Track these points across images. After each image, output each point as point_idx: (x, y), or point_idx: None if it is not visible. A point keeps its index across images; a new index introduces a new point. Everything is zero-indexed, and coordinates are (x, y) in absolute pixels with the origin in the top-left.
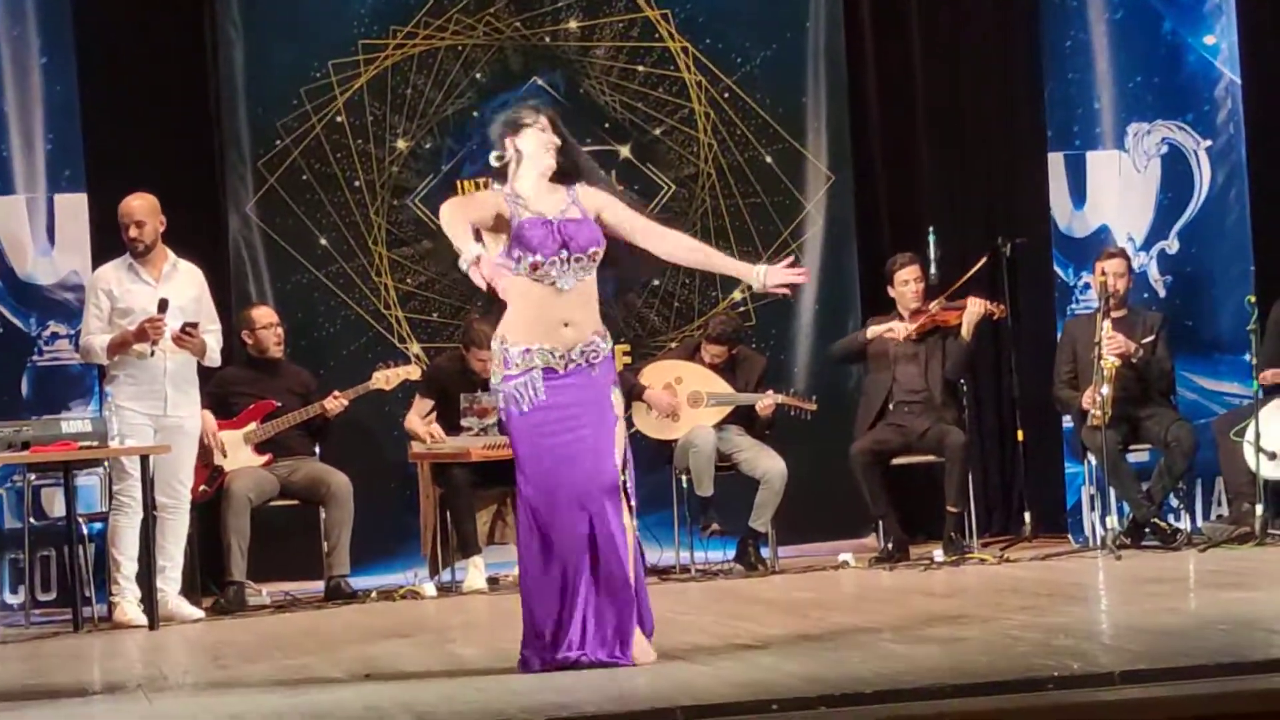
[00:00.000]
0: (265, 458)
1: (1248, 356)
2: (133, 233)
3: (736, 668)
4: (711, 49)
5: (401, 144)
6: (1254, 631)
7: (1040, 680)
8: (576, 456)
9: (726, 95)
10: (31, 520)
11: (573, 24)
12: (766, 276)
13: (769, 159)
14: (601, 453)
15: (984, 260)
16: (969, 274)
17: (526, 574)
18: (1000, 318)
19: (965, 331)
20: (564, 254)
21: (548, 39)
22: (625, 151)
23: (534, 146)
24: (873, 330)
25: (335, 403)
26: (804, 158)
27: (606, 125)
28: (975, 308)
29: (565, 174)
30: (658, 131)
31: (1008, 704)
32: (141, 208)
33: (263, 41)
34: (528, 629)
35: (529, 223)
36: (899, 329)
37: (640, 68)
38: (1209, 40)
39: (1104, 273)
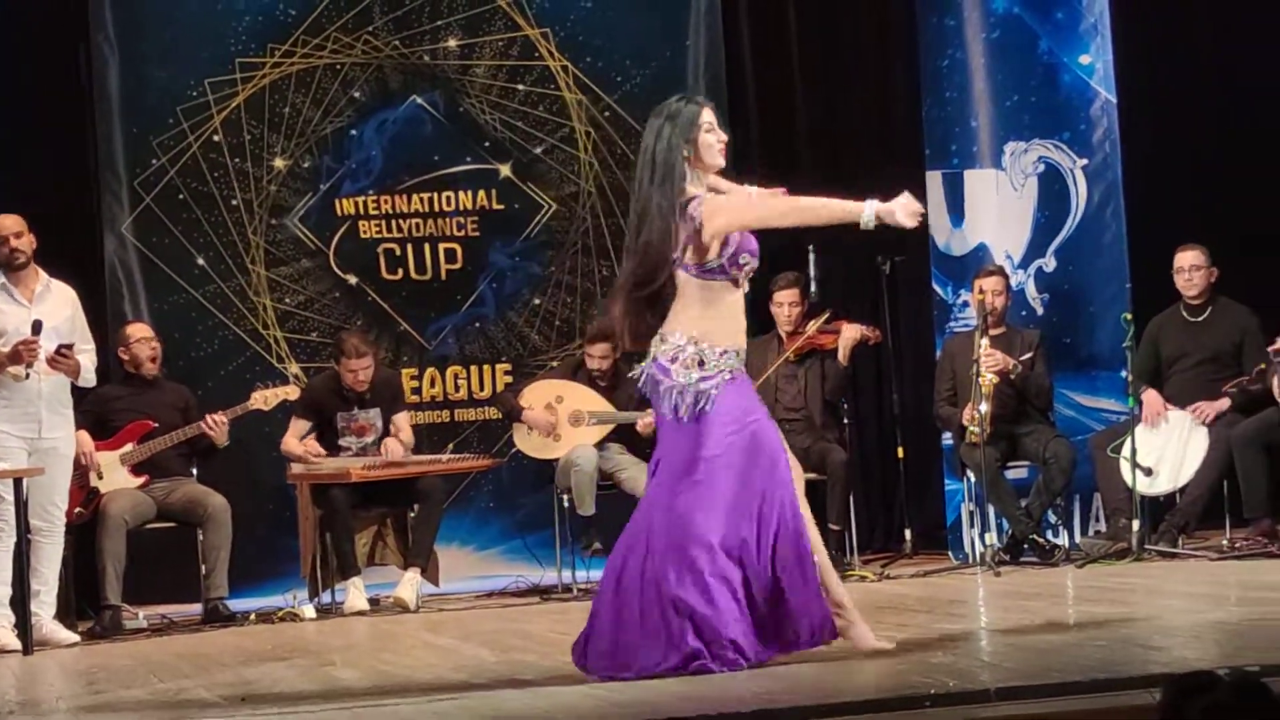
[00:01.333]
0: (142, 479)
1: (1124, 373)
2: (13, 243)
3: (617, 688)
4: (592, 68)
5: (279, 163)
6: (1130, 647)
7: (917, 698)
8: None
9: (607, 114)
10: None
11: (452, 43)
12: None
13: None
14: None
15: (827, 314)
16: (819, 321)
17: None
18: (875, 342)
19: (842, 356)
20: (744, 257)
21: (427, 57)
22: (506, 170)
23: (706, 146)
24: None
25: (219, 430)
26: None
27: (487, 144)
28: (850, 333)
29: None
30: (538, 150)
31: None
32: (15, 222)
33: (138, 60)
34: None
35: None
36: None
37: (520, 86)
38: (1085, 60)
39: (982, 290)
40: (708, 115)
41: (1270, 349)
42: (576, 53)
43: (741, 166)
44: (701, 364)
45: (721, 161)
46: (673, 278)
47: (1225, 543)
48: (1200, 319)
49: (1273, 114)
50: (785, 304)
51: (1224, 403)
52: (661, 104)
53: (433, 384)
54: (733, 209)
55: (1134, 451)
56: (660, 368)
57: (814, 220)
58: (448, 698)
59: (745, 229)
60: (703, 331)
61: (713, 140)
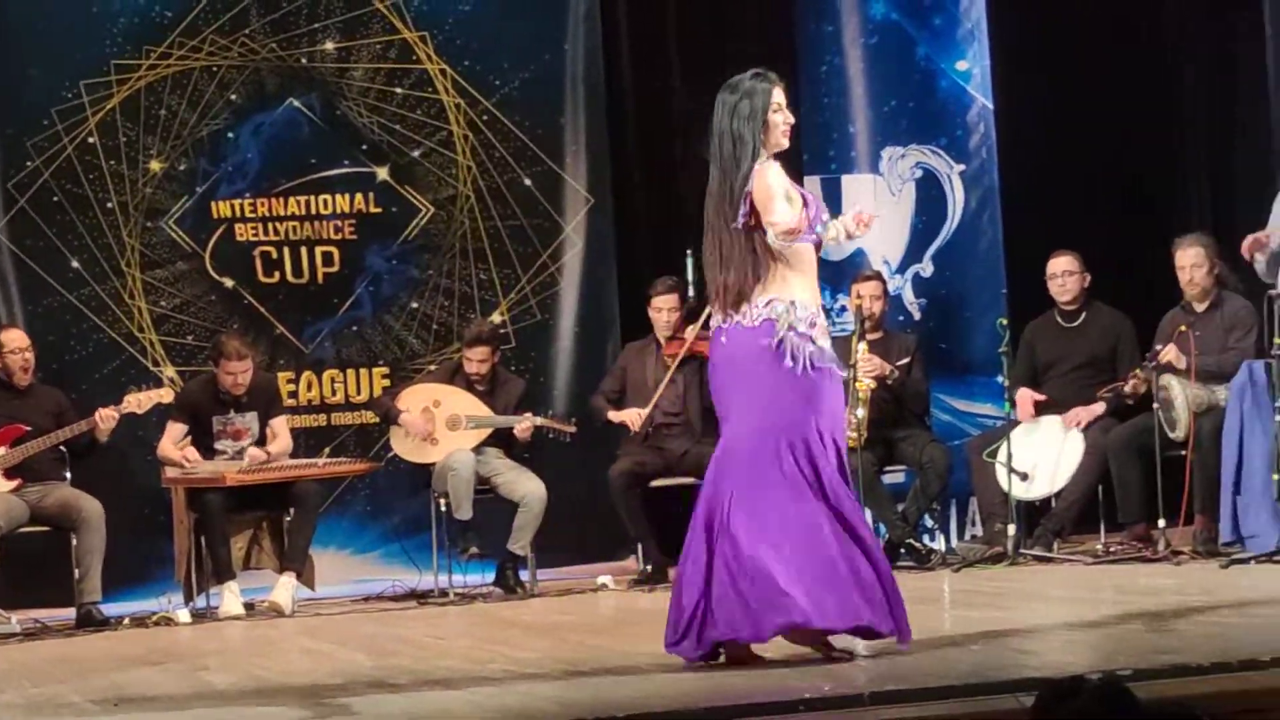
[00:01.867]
0: (14, 483)
1: (1000, 378)
2: None
3: (493, 693)
4: (470, 71)
5: (155, 165)
6: (1004, 651)
7: (791, 702)
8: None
9: (485, 117)
10: None
11: (329, 45)
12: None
13: (528, 181)
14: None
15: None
16: (698, 326)
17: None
18: None
19: None
20: (825, 217)
21: (304, 60)
22: (383, 174)
23: (774, 125)
24: (613, 414)
25: (107, 424)
26: (563, 180)
27: (364, 147)
28: None
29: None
30: (416, 154)
31: None
32: None
33: (12, 62)
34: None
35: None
36: (634, 422)
37: (398, 89)
38: (962, 66)
39: (859, 295)
40: (778, 95)
41: (1150, 356)
42: (455, 56)
43: (621, 171)
44: (805, 322)
45: (785, 143)
46: (750, 243)
47: (1100, 547)
48: (1074, 324)
49: (1147, 120)
50: (664, 309)
51: (1099, 407)
52: (735, 79)
53: (309, 388)
54: (764, 193)
55: (1010, 456)
56: (800, 334)
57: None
58: (323, 703)
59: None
60: (793, 293)
61: (779, 120)
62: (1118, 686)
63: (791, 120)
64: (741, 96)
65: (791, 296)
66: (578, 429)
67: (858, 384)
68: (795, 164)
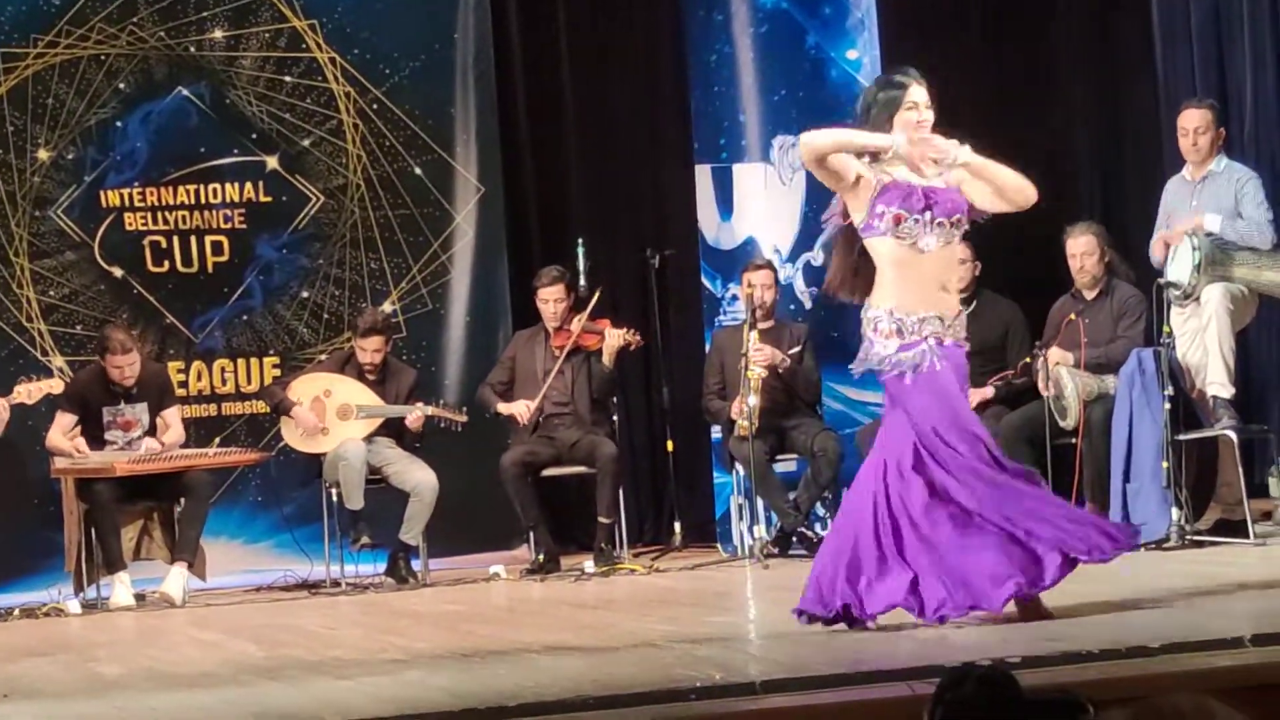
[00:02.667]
0: None
1: None
2: None
3: (384, 683)
4: (360, 59)
5: (43, 154)
6: (896, 638)
7: (682, 691)
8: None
9: (375, 106)
10: None
11: (218, 34)
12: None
13: (418, 170)
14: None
15: (594, 300)
16: (593, 301)
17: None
18: (638, 347)
19: (606, 360)
20: (927, 215)
21: (193, 49)
22: (273, 163)
23: (900, 125)
24: (502, 406)
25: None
26: (453, 169)
27: (254, 136)
28: (613, 340)
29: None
30: (306, 142)
31: (649, 715)
32: None
33: None
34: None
35: (892, 184)
36: (521, 413)
37: (288, 78)
38: (851, 55)
39: (751, 284)
40: (914, 94)
41: (1039, 345)
42: (344, 44)
43: (511, 160)
44: (900, 333)
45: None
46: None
47: None
48: (966, 312)
49: (1036, 110)
50: (550, 300)
51: (988, 392)
52: (880, 76)
53: (199, 378)
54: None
55: None
56: (868, 340)
57: (850, 146)
58: (213, 693)
59: (816, 156)
60: (884, 299)
61: (912, 118)
62: (1001, 674)
63: (926, 119)
64: (878, 89)
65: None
66: (469, 418)
67: (749, 373)
68: (685, 154)
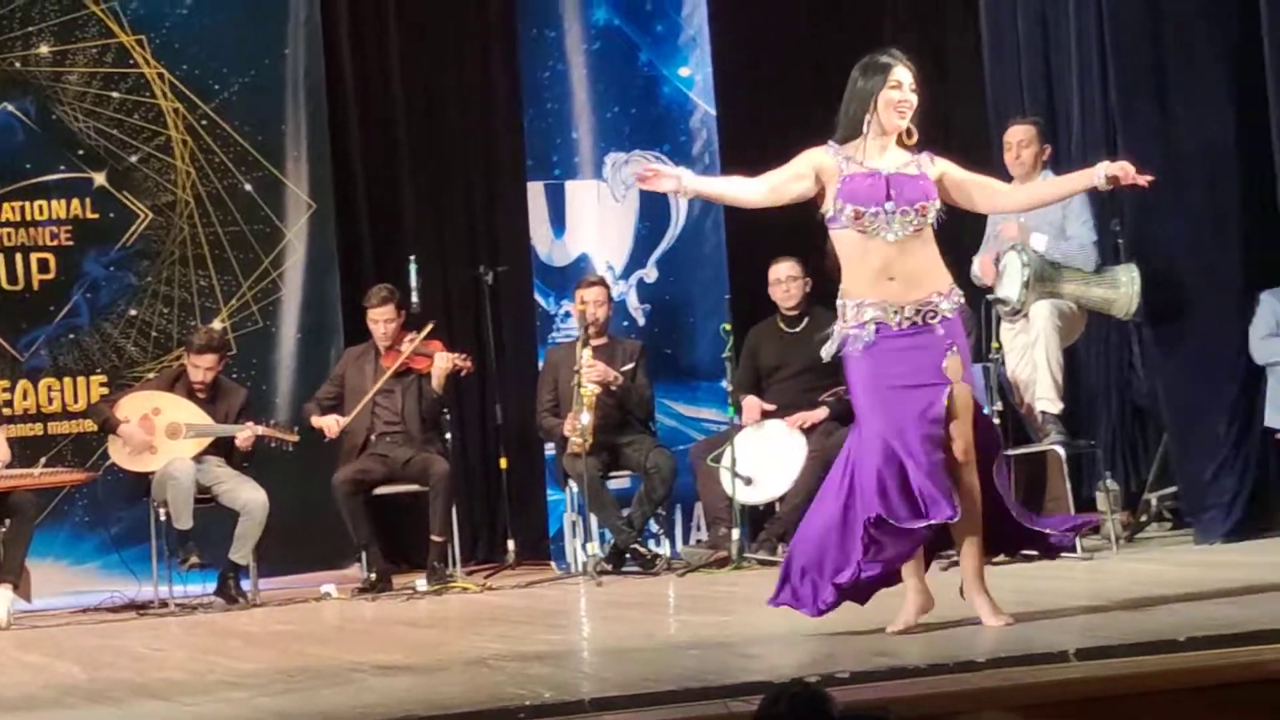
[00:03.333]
0: None
1: (724, 383)
2: None
3: (211, 705)
4: (189, 75)
5: None
6: (727, 656)
7: (512, 709)
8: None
9: (204, 122)
10: None
11: (44, 49)
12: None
13: (249, 187)
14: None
15: (425, 330)
16: (424, 331)
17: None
18: (468, 373)
19: (436, 385)
20: (889, 205)
21: (18, 64)
22: (100, 179)
23: (883, 104)
24: (315, 420)
25: None
26: (284, 186)
27: (81, 152)
28: (443, 363)
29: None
30: (134, 159)
31: None
32: None
33: None
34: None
35: (856, 175)
36: (330, 426)
37: (115, 94)
38: (684, 72)
39: (584, 301)
40: (897, 74)
41: None
42: (173, 60)
43: (342, 177)
44: (844, 318)
45: (899, 123)
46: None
47: None
48: (797, 330)
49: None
50: (380, 320)
51: (822, 412)
52: (865, 58)
53: (25, 396)
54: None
55: (734, 461)
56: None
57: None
58: (36, 716)
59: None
60: (844, 284)
61: (895, 98)
62: (814, 692)
63: (909, 99)
64: (859, 72)
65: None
66: (300, 437)
67: (582, 390)
68: (518, 170)
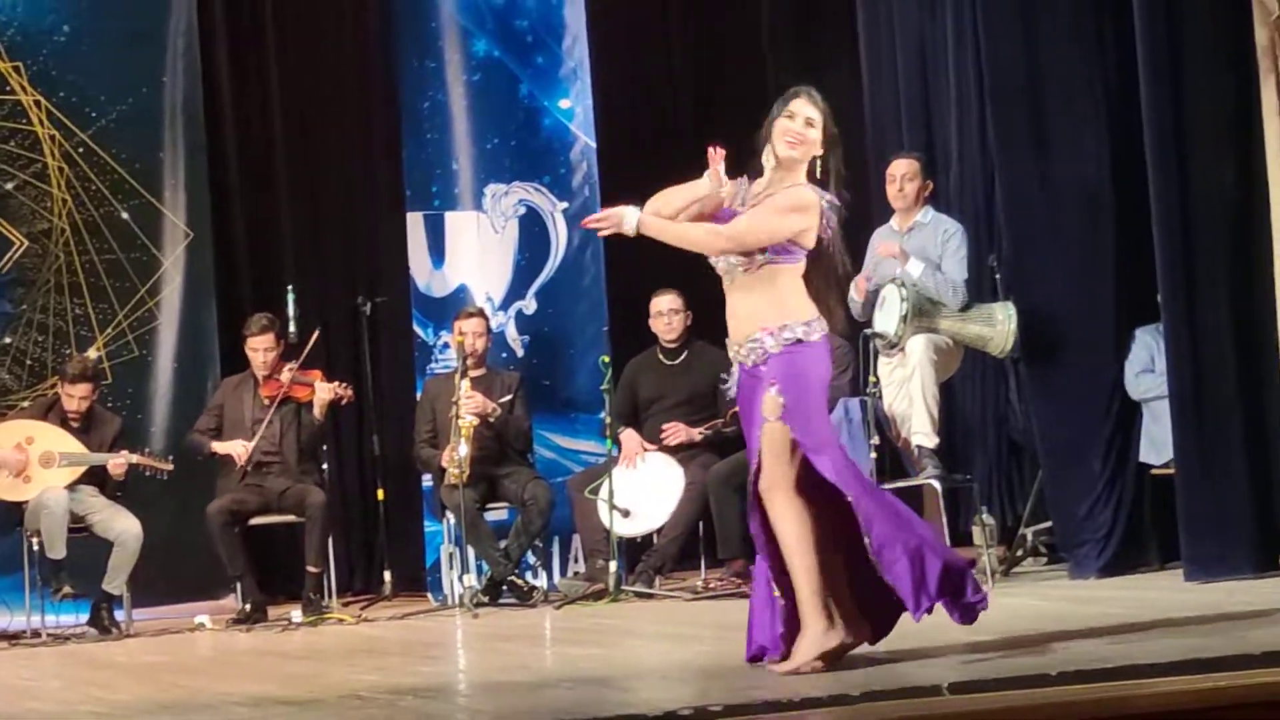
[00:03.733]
0: None
1: (603, 415)
2: None
3: None
4: (65, 102)
5: None
6: (602, 689)
7: None
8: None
9: (81, 149)
10: None
11: None
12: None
13: (125, 215)
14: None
15: (311, 341)
16: (303, 353)
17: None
18: (349, 401)
19: (317, 412)
20: None
21: None
22: None
23: (776, 133)
24: (218, 446)
25: None
26: (162, 214)
27: None
28: (324, 394)
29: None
30: (9, 186)
31: None
32: None
33: None
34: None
35: (727, 210)
36: (239, 453)
37: None
38: (565, 104)
39: (462, 332)
40: (795, 105)
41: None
42: (50, 87)
43: (220, 206)
44: None
45: (789, 153)
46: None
47: (700, 583)
48: (676, 362)
49: (750, 159)
50: (260, 349)
51: (697, 434)
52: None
53: None
54: None
55: (611, 493)
56: None
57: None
58: None
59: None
60: None
61: (785, 124)
62: None
63: (796, 130)
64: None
65: None
66: (175, 466)
67: (460, 421)
68: (397, 200)
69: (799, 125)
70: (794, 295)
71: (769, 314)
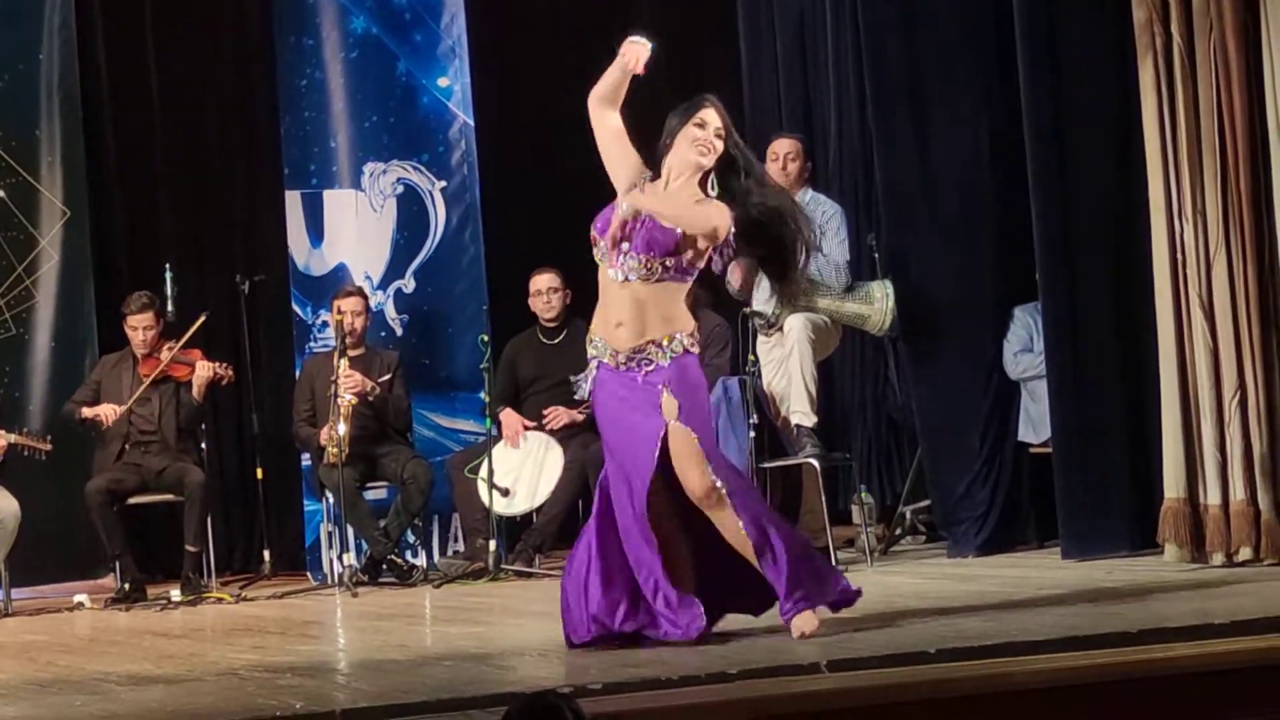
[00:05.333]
0: None
1: (482, 394)
2: None
3: None
4: None
5: None
6: (480, 667)
7: None
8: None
9: None
10: None
11: None
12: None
13: (1, 193)
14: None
15: (198, 324)
16: (188, 334)
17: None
18: (229, 382)
19: (196, 393)
20: (624, 246)
21: None
22: None
23: (684, 140)
24: (87, 411)
25: None
26: (38, 192)
27: None
28: (204, 372)
29: (725, 188)
30: None
31: None
32: None
33: None
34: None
35: (621, 210)
36: (109, 415)
37: None
38: (443, 83)
39: (341, 311)
40: (705, 114)
41: None
42: None
43: (98, 184)
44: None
45: (700, 159)
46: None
47: None
48: (556, 341)
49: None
50: (139, 327)
51: (579, 415)
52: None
53: None
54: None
55: (491, 472)
56: None
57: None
58: None
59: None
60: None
61: (693, 133)
62: (547, 702)
63: (705, 139)
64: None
65: None
66: (53, 446)
67: (339, 400)
68: (276, 178)
69: (709, 134)
70: (682, 308)
71: (659, 326)
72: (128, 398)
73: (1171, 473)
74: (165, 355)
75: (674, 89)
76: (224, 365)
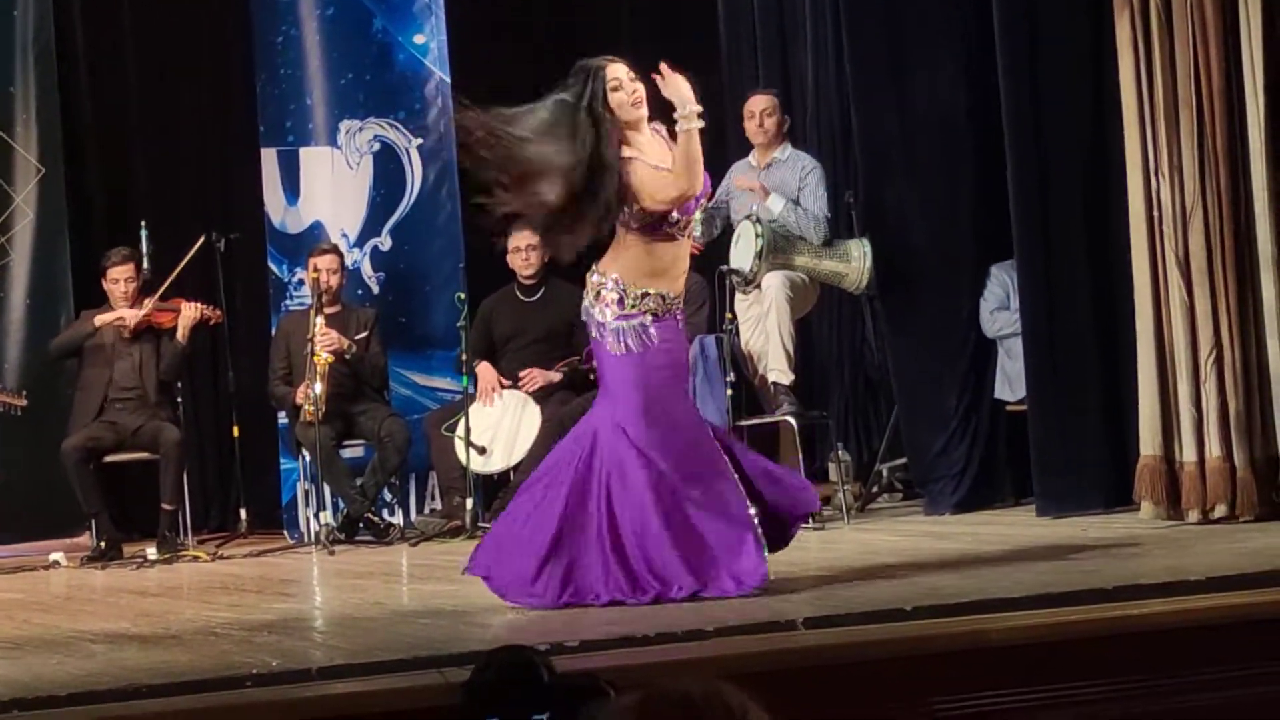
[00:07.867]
0: None
1: (459, 352)
2: None
3: None
4: None
5: None
6: (457, 624)
7: (238, 678)
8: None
9: None
10: None
11: None
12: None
13: None
14: None
15: (195, 249)
16: (178, 269)
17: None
18: (216, 322)
19: (181, 335)
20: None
21: None
22: None
23: (617, 104)
24: (99, 318)
25: None
26: (13, 149)
27: None
28: (190, 312)
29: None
30: None
31: (203, 703)
32: None
33: None
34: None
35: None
36: (129, 316)
37: None
38: (419, 39)
39: (317, 269)
40: (614, 71)
41: None
42: None
43: (73, 141)
44: (620, 302)
45: (639, 114)
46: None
47: None
48: (533, 299)
49: None
50: (120, 279)
51: (555, 375)
52: (578, 64)
53: None
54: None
55: (468, 430)
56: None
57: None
58: None
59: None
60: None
61: (623, 98)
62: (523, 658)
63: (632, 89)
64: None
65: None
66: (29, 402)
67: (315, 358)
68: (251, 136)
69: (632, 86)
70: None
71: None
72: (109, 348)
73: (1147, 430)
74: (148, 304)
75: (655, 50)
76: (210, 306)
